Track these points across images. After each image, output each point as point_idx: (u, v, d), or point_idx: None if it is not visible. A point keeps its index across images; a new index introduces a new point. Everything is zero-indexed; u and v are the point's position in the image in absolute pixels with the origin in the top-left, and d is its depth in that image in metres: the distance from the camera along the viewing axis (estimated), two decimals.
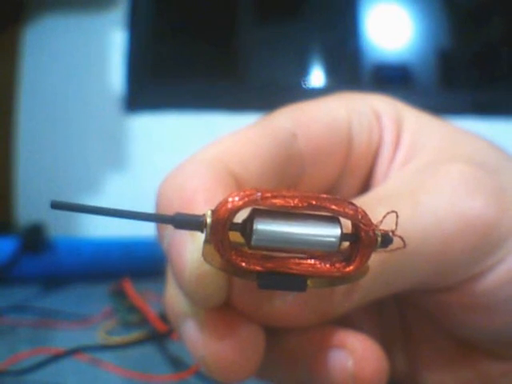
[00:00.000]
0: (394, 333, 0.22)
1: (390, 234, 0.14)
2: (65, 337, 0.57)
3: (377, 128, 0.22)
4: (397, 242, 0.14)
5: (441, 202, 0.18)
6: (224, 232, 0.14)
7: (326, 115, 0.21)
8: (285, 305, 0.16)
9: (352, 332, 0.17)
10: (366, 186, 0.22)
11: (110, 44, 1.36)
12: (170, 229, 0.16)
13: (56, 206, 0.13)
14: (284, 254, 0.14)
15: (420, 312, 0.22)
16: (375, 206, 0.16)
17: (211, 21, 1.46)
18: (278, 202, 0.13)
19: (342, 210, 0.14)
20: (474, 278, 0.18)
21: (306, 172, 0.20)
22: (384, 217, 0.14)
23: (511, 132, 1.20)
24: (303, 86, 1.44)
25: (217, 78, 1.42)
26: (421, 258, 0.17)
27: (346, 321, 0.18)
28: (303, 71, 1.45)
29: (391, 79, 1.46)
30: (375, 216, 0.14)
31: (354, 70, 1.43)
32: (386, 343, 0.20)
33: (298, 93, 1.37)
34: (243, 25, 1.44)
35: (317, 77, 1.46)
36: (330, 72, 1.46)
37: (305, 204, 0.14)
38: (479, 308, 0.19)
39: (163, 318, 0.55)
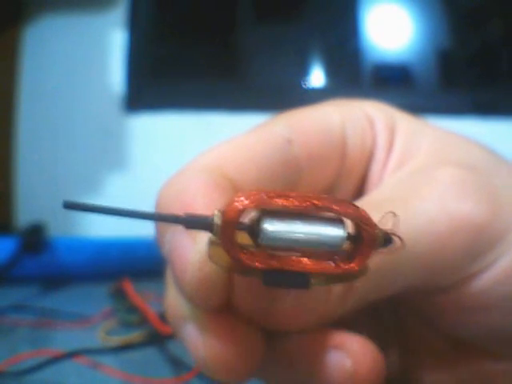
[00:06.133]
0: (391, 334, 0.23)
1: (390, 233, 0.15)
2: (65, 337, 0.57)
3: (370, 133, 0.22)
4: (396, 242, 0.15)
5: (432, 204, 0.18)
6: (233, 231, 0.14)
7: (320, 121, 0.21)
8: (284, 306, 0.16)
9: (349, 333, 0.18)
10: (360, 192, 0.23)
11: (110, 44, 1.36)
12: (170, 232, 0.16)
13: (68, 206, 0.14)
14: (289, 253, 0.15)
15: (416, 313, 0.22)
16: (368, 211, 0.16)
17: (211, 21, 1.46)
18: (283, 202, 0.14)
19: (343, 210, 0.14)
20: (468, 279, 0.18)
21: (302, 177, 0.21)
22: (383, 217, 0.15)
23: (511, 132, 1.20)
24: (303, 86, 1.44)
25: (217, 78, 1.42)
26: (414, 261, 0.18)
27: (343, 323, 0.18)
28: (303, 71, 1.45)
29: (391, 79, 1.46)
30: None
31: (354, 70, 1.43)
32: (383, 344, 0.20)
33: (298, 93, 1.37)
34: (243, 25, 1.44)
35: (317, 77, 1.46)
36: (330, 72, 1.46)
37: (308, 204, 0.14)
38: (474, 308, 0.19)
39: (163, 318, 0.55)
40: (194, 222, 0.14)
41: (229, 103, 1.32)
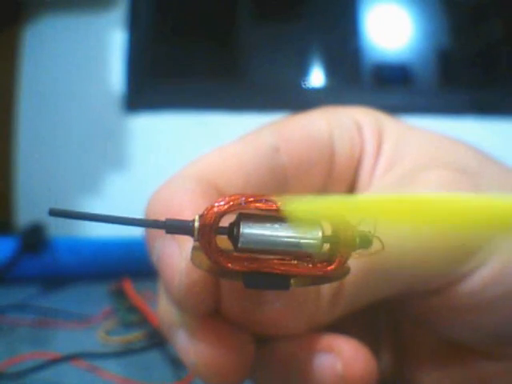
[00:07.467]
0: (385, 335, 0.23)
1: (368, 235, 0.15)
2: (65, 337, 0.57)
3: (358, 139, 0.22)
4: (376, 245, 0.15)
5: None
6: (211, 234, 0.14)
7: (307, 129, 0.22)
8: (273, 311, 0.17)
9: (340, 337, 0.18)
10: None
11: (110, 44, 1.36)
12: (159, 241, 0.17)
13: (53, 213, 0.14)
14: (268, 256, 0.15)
15: (408, 315, 0.22)
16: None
17: (211, 21, 1.46)
18: (261, 205, 0.14)
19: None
20: (458, 281, 0.18)
21: (290, 185, 0.21)
22: (361, 220, 0.15)
23: (511, 132, 1.20)
24: (303, 85, 1.44)
25: (217, 78, 1.42)
26: (402, 264, 0.18)
27: (336, 326, 0.18)
28: (303, 71, 1.45)
29: (391, 79, 1.46)
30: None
31: (354, 70, 1.43)
32: (377, 346, 0.20)
33: (297, 93, 1.37)
34: (243, 25, 1.44)
35: (317, 77, 1.46)
36: (330, 72, 1.46)
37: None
38: (465, 310, 0.19)
39: None
40: (174, 227, 0.15)
41: (229, 103, 1.32)
